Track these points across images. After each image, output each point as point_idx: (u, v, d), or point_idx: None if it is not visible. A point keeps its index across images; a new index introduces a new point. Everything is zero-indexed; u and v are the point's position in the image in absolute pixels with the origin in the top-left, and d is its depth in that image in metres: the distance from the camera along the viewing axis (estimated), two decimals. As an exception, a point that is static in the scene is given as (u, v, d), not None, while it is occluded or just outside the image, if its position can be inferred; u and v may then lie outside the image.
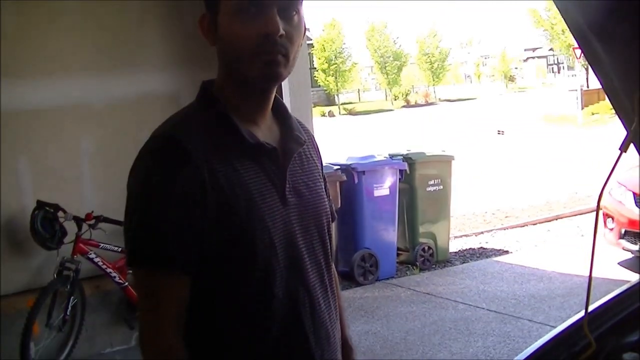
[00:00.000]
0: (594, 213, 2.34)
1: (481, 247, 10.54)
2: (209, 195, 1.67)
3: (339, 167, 8.22)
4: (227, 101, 1.80)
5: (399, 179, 8.67)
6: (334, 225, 7.15)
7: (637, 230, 8.29)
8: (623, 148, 2.25)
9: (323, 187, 2.00)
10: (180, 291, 1.70)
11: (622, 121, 2.36)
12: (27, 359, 5.74)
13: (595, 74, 2.34)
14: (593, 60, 2.23)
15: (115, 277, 6.37)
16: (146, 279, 1.73)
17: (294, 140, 1.90)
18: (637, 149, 2.46)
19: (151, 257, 1.69)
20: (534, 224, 12.12)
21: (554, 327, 2.57)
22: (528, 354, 2.26)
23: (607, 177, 2.27)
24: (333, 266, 2.02)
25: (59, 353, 6.06)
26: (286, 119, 1.94)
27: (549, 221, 12.27)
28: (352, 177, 8.28)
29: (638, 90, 2.20)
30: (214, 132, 1.75)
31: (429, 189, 9.08)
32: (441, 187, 9.18)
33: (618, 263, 8.64)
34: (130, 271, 6.23)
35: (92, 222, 6.17)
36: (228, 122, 1.76)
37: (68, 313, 6.02)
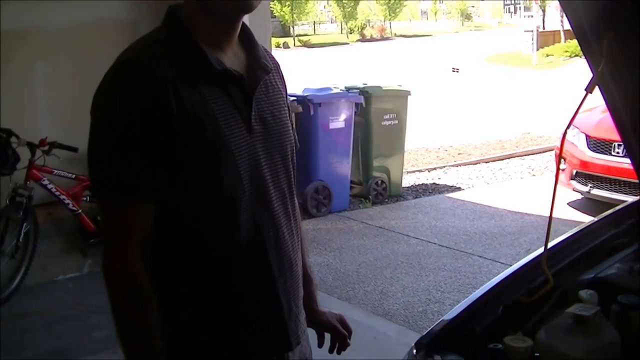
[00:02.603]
0: (546, 153, 2.36)
1: (434, 183, 10.64)
2: (174, 121, 1.65)
3: (294, 98, 8.17)
4: (194, 27, 1.77)
5: (355, 112, 8.66)
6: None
7: (588, 172, 8.43)
8: (589, 89, 2.27)
9: (288, 115, 1.99)
10: (144, 218, 1.69)
11: (589, 63, 2.38)
12: (-22, 285, 5.71)
13: (566, 15, 2.34)
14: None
15: (68, 204, 6.31)
16: (110, 206, 1.72)
17: (261, 67, 1.88)
18: (601, 91, 2.48)
19: (116, 184, 1.67)
20: (486, 162, 12.25)
21: (505, 263, 2.64)
22: (487, 288, 2.30)
23: (572, 117, 2.30)
24: (295, 196, 2.03)
25: (11, 280, 6.01)
26: (253, 46, 1.91)
27: (501, 159, 12.41)
28: (308, 109, 8.25)
29: (607, 33, 2.22)
30: (180, 58, 1.72)
31: (384, 123, 9.08)
32: (396, 121, 9.19)
33: (567, 203, 8.80)
34: (87, 198, 6.21)
35: (46, 148, 6.08)
36: (195, 48, 1.74)
37: (21, 240, 5.99)
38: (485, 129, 15.41)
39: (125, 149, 1.65)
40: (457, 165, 11.99)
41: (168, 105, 1.65)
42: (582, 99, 2.27)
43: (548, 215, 2.21)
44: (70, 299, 6.10)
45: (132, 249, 1.68)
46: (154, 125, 1.64)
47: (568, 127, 2.31)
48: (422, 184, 10.58)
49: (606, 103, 2.65)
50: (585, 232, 2.75)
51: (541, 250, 2.39)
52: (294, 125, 1.97)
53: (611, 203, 5.39)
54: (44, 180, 6.15)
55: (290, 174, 1.95)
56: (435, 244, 7.49)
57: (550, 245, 2.54)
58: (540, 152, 12.42)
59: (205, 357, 1.82)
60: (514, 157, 12.56)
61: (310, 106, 8.26)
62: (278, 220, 1.86)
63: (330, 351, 2.31)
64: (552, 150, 11.72)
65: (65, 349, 4.98)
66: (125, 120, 1.64)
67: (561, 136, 2.35)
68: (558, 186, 7.37)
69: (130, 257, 1.68)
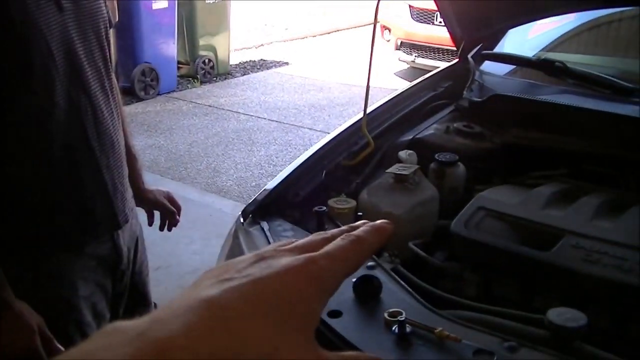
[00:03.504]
0: (371, 26, 2.39)
1: (261, 59, 10.60)
2: None
3: (114, -22, 7.82)
4: None
5: (178, -10, 8.43)
6: (112, 40, 6.88)
7: (412, 42, 8.65)
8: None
9: None
10: None
11: None
12: None
13: None
14: None
15: None
16: None
17: None
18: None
19: None
20: (313, 36, 12.30)
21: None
22: (309, 155, 2.34)
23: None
24: (113, 75, 1.97)
25: None
26: None
27: (329, 33, 12.49)
28: (129, -11, 7.95)
29: None
30: None
31: (208, 1, 8.88)
32: (221, -1, 9.04)
33: (394, 73, 9.01)
34: None
35: None
36: None
37: None
38: (311, 2, 15.37)
39: None
40: (284, 41, 11.96)
41: None
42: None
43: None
44: None
45: None
46: None
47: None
48: (250, 60, 10.52)
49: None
50: (404, 96, 2.84)
51: (362, 115, 2.45)
52: (116, 8, 1.90)
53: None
54: None
55: (106, 51, 1.89)
56: (265, 119, 7.53)
57: (370, 109, 2.60)
58: (367, 25, 12.56)
59: (32, 243, 1.79)
60: (341, 30, 12.66)
61: (130, -14, 7.95)
62: (96, 98, 1.82)
63: (161, 228, 2.31)
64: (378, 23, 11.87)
65: None
66: None
67: (376, 4, 2.37)
68: (386, 57, 7.49)
69: None
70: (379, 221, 0.62)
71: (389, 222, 0.62)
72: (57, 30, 1.71)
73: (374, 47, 2.35)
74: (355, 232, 0.59)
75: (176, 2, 8.40)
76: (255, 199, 2.13)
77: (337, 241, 0.58)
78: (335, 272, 0.55)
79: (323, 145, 2.40)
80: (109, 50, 1.94)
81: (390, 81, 8.37)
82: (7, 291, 1.67)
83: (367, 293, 1.58)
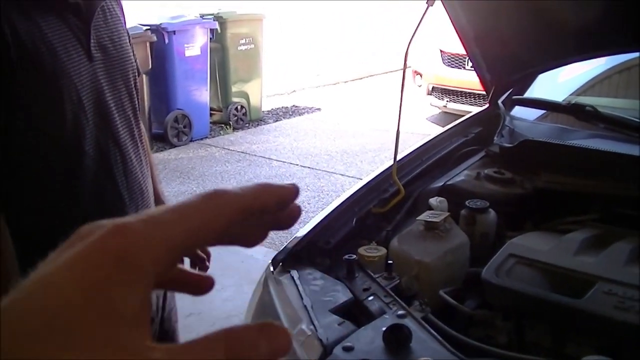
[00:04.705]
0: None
1: (294, 105, 10.68)
2: (11, 54, 1.59)
3: (148, 27, 7.94)
4: None
5: (210, 38, 8.54)
6: (145, 86, 6.96)
7: (444, 87, 8.67)
8: (429, 2, 2.31)
9: (128, 42, 1.95)
10: None
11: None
12: None
13: None
14: None
15: None
16: None
17: None
18: (443, 4, 2.53)
19: None
20: (345, 82, 12.37)
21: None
22: (340, 202, 2.35)
23: (414, 31, 2.34)
24: (142, 123, 2.00)
25: None
26: None
27: (360, 79, 12.56)
28: (162, 38, 8.05)
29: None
30: None
31: (240, 47, 9.00)
32: (252, 45, 9.13)
33: (426, 118, 9.03)
34: None
35: None
36: None
37: None
38: (344, 49, 15.49)
39: None
40: (316, 87, 12.05)
41: (2, 38, 1.58)
42: (423, 12, 2.32)
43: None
44: None
45: None
46: None
47: (411, 40, 2.35)
48: (282, 107, 10.60)
49: (449, 15, 2.71)
50: (435, 143, 2.84)
51: (392, 161, 2.46)
52: (149, 55, 1.93)
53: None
54: None
55: (134, 99, 1.92)
56: (297, 165, 7.56)
57: (401, 156, 2.61)
58: (399, 70, 12.61)
59: None
60: (374, 76, 12.73)
61: (164, 34, 8.06)
62: (125, 146, 1.84)
63: (190, 276, 2.31)
64: (409, 68, 11.93)
65: None
66: None
67: (406, 49, 2.39)
68: (418, 102, 7.49)
69: None
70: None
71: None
72: (87, 80, 1.74)
73: (405, 93, 2.37)
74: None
75: (209, 49, 8.52)
76: (285, 246, 2.13)
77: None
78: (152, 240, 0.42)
79: (354, 193, 2.41)
80: (138, 98, 1.97)
81: (422, 126, 8.38)
82: None
83: (397, 342, 1.57)
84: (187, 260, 2.30)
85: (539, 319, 1.76)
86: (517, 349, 1.66)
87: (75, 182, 1.74)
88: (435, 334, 1.62)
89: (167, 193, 6.87)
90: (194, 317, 4.30)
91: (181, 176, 7.30)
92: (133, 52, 1.98)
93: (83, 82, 1.73)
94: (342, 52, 14.81)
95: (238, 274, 4.86)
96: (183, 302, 3.55)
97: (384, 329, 1.58)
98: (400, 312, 1.72)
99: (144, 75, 7.41)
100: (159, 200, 2.13)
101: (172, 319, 2.15)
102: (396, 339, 1.57)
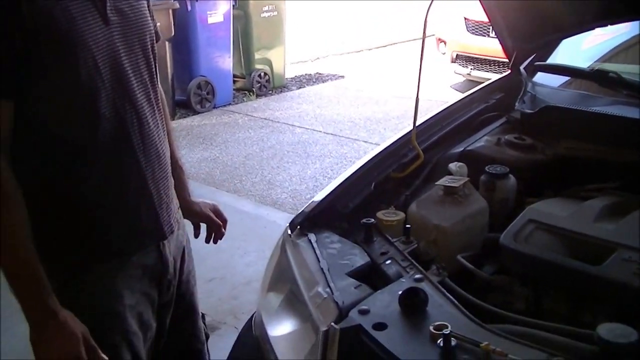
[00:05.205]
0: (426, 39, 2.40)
1: (317, 73, 10.63)
2: (26, 18, 1.59)
3: (170, -7, 7.94)
4: None
5: (233, 5, 8.49)
6: (168, 54, 6.94)
7: (468, 54, 8.60)
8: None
9: (146, 6, 1.94)
10: (3, 117, 1.64)
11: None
12: None
13: None
14: None
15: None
16: None
17: None
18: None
19: None
20: (369, 50, 12.30)
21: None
22: (359, 167, 2.35)
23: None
24: (160, 87, 2.00)
25: None
26: None
27: (384, 47, 12.48)
28: (185, 5, 8.02)
29: None
30: None
31: (263, 14, 8.95)
32: (276, 13, 9.08)
33: (450, 86, 8.97)
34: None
35: None
36: None
37: None
38: (367, 16, 15.38)
39: None
40: (340, 54, 11.99)
41: (18, 7, 1.58)
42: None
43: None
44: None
45: None
46: (6, 24, 1.58)
47: (429, 7, 2.34)
48: (306, 74, 10.56)
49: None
50: (455, 108, 2.82)
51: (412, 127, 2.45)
52: (172, 22, 1.92)
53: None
54: None
55: (151, 63, 1.91)
56: (320, 132, 7.55)
57: (420, 122, 2.60)
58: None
59: (77, 253, 1.80)
60: (397, 44, 12.64)
61: (187, 1, 8.03)
62: (142, 110, 1.84)
63: (207, 241, 2.32)
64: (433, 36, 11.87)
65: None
66: None
67: (425, 15, 2.37)
68: (441, 70, 7.43)
69: None
70: None
71: None
72: (103, 43, 1.74)
73: (428, 61, 2.35)
74: None
75: (231, 15, 8.49)
76: (303, 210, 2.13)
77: None
78: None
79: (372, 157, 2.40)
80: (155, 62, 1.96)
81: (446, 94, 8.32)
82: (52, 299, 1.69)
83: (413, 306, 1.57)
84: (203, 227, 2.31)
85: (556, 285, 1.76)
86: (534, 315, 1.66)
87: (92, 144, 1.75)
88: (452, 298, 1.62)
89: (190, 159, 6.86)
90: (216, 281, 4.33)
91: (204, 142, 7.31)
92: (152, 16, 1.97)
93: (99, 45, 1.72)
94: (366, 20, 14.70)
95: (260, 239, 4.87)
96: (205, 267, 3.58)
97: (400, 292, 1.59)
98: (417, 276, 1.73)
99: (166, 43, 7.41)
100: (176, 166, 2.13)
101: (190, 282, 2.16)
102: (412, 302, 1.57)
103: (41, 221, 1.72)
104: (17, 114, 1.66)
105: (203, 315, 2.26)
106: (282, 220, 5.25)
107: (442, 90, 8.60)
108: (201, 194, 2.28)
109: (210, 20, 8.20)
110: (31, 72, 1.63)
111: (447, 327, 1.43)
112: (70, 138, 1.72)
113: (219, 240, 2.33)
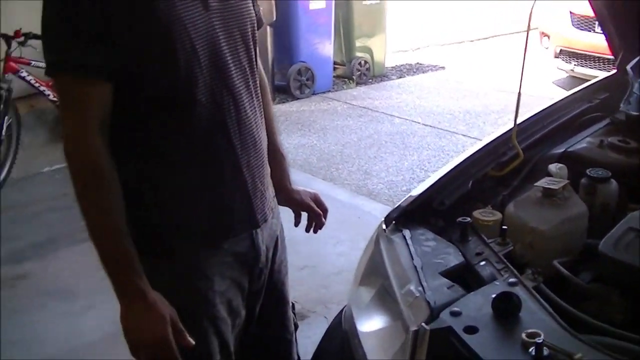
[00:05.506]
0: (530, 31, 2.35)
1: (418, 63, 10.55)
2: (126, 1, 1.63)
3: (274, -20, 8.01)
4: None
5: (335, -8, 8.54)
6: (269, 39, 6.98)
7: (572, 50, 8.38)
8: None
9: None
10: (101, 97, 1.67)
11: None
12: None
13: None
14: None
15: (49, 95, 6.22)
16: (66, 87, 1.69)
17: None
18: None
19: (69, 64, 1.64)
20: (470, 41, 12.14)
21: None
22: (457, 163, 2.32)
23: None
24: (261, 73, 2.00)
25: (-4, 173, 5.98)
26: None
27: (486, 39, 12.29)
28: (287, -10, 8.11)
29: None
30: None
31: (365, 2, 8.94)
32: (378, 0, 9.05)
33: (553, 82, 8.78)
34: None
35: (22, 39, 5.91)
36: None
37: (3, 133, 5.87)
38: (471, 7, 15.14)
39: (75, 30, 1.61)
40: (441, 45, 11.87)
41: None
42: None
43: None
44: (58, 189, 6.05)
45: (90, 127, 1.66)
46: (104, 5, 1.61)
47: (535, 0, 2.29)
48: (406, 63, 10.49)
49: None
50: (558, 107, 2.76)
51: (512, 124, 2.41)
52: (274, 8, 1.91)
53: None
54: (22, 71, 6.04)
55: (251, 50, 1.91)
56: (419, 123, 7.50)
57: (521, 120, 2.55)
58: (525, 32, 12.23)
59: (169, 237, 1.84)
60: (500, 36, 12.42)
61: (289, -13, 8.12)
62: (239, 97, 1.84)
63: (307, 230, 2.32)
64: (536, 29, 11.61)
65: (58, 237, 5.01)
66: (74, 1, 1.61)
67: (530, 10, 2.33)
68: (544, 65, 7.30)
69: (89, 135, 1.66)
70: None
71: None
72: (202, 28, 1.74)
73: (531, 55, 2.31)
74: None
75: (333, 2, 8.51)
76: (399, 205, 2.13)
77: None
78: None
79: (471, 154, 2.37)
80: (256, 49, 1.95)
81: (548, 90, 8.14)
82: (143, 280, 1.72)
83: (506, 310, 1.55)
84: (304, 215, 2.31)
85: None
86: (632, 329, 1.61)
87: (187, 130, 1.76)
88: (546, 305, 1.59)
89: (287, 145, 6.91)
90: (308, 270, 4.37)
91: (302, 129, 7.36)
92: (254, 3, 1.98)
93: (198, 30, 1.73)
94: (467, 11, 14.48)
95: (354, 229, 4.89)
96: (297, 255, 3.60)
97: (493, 296, 1.57)
98: (511, 279, 1.70)
99: (268, 27, 7.48)
100: (277, 152, 2.14)
101: (281, 271, 2.17)
102: (505, 307, 1.55)
103: (135, 205, 1.76)
104: (114, 97, 1.69)
105: (293, 304, 2.26)
106: (377, 211, 5.25)
107: (544, 86, 8.42)
108: (297, 180, 2.28)
109: (312, 6, 8.25)
110: (128, 53, 1.66)
111: (539, 336, 1.41)
112: (166, 122, 1.75)
113: (318, 230, 2.33)
